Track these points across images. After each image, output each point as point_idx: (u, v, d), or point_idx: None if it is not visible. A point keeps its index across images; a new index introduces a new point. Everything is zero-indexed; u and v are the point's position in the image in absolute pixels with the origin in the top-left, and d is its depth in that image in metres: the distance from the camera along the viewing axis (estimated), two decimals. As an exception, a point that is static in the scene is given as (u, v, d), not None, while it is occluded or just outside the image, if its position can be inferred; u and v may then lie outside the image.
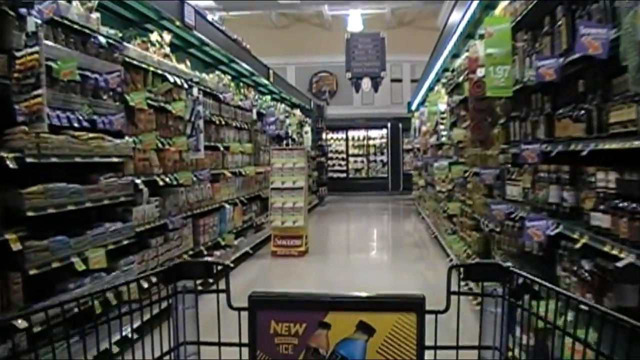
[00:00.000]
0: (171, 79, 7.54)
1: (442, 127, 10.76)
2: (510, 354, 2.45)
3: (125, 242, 6.09)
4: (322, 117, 24.06)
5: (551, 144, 4.31)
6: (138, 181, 6.44)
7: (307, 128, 19.71)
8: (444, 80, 11.05)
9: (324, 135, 25.50)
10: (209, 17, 12.84)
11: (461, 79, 8.67)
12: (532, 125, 4.90)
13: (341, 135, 28.37)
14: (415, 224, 16.50)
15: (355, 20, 23.94)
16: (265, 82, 13.93)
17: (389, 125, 27.39)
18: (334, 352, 2.00)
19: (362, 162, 28.23)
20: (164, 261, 7.14)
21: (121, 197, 6.06)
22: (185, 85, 8.07)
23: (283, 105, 16.54)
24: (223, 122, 9.93)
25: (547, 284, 2.10)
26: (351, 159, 28.27)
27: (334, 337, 2.00)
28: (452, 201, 9.41)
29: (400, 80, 27.34)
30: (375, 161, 28.18)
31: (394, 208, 22.25)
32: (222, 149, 9.78)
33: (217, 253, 9.09)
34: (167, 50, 7.90)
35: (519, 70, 5.24)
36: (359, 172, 28.22)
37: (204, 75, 9.39)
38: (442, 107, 10.67)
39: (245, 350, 2.11)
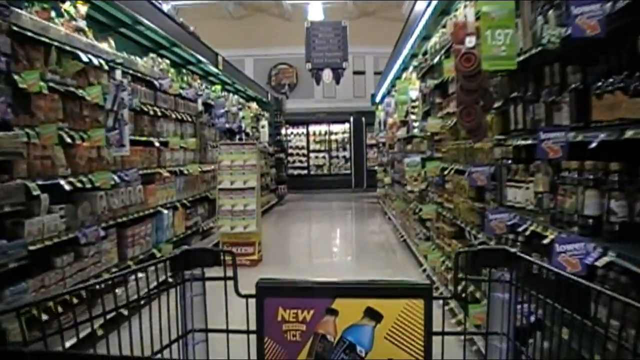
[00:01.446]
0: (84, 57, 6.09)
1: (413, 117, 9.46)
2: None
3: (13, 265, 4.68)
4: (281, 111, 22.68)
5: (585, 131, 3.03)
6: (32, 185, 5.00)
7: (264, 122, 18.29)
8: (415, 63, 9.75)
9: (283, 130, 24.16)
10: (164, 6, 11.42)
11: (436, 60, 7.40)
12: (547, 107, 3.62)
13: (302, 130, 27.12)
14: (381, 225, 15.25)
15: (315, 10, 22.73)
16: (215, 70, 12.48)
17: (351, 119, 26.33)
18: (341, 339, 1.96)
19: (324, 158, 27.02)
20: (75, 283, 5.73)
21: (6, 206, 4.64)
22: (106, 67, 6.64)
23: (236, 97, 15.09)
24: (159, 113, 8.49)
25: (554, 268, 1.99)
26: (312, 155, 27.02)
27: (342, 324, 1.96)
28: (426, 203, 8.12)
29: (363, 73, 26.25)
30: (337, 157, 27.02)
31: (358, 207, 20.99)
32: (157, 144, 8.34)
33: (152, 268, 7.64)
34: (82, 23, 6.44)
35: (524, 35, 3.96)
36: (320, 168, 26.97)
37: (134, 57, 7.93)
38: (414, 94, 9.37)
39: (253, 337, 2.05)
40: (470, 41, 4.48)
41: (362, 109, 24.81)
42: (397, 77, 12.10)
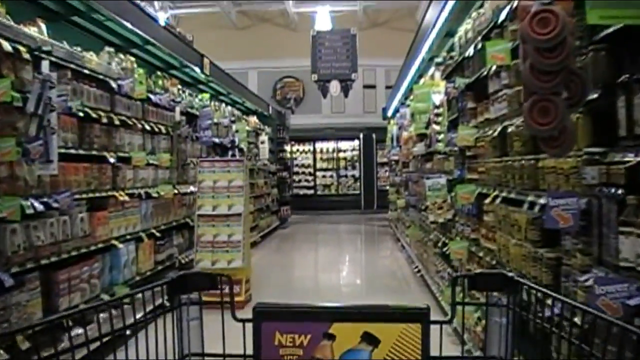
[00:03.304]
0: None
1: (437, 127, 7.61)
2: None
3: None
4: (285, 126, 20.93)
5: None
6: None
7: (264, 137, 16.52)
8: (439, 60, 7.95)
9: (288, 147, 22.42)
10: (160, 18, 9.86)
11: (470, 51, 5.64)
12: None
13: (308, 147, 25.50)
14: (393, 253, 13.44)
15: (323, 20, 21.27)
16: (201, 76, 10.75)
17: (361, 136, 24.72)
18: None
19: (332, 177, 25.34)
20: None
21: None
22: (27, 57, 4.94)
23: (230, 109, 13.34)
24: (117, 122, 6.77)
25: (553, 294, 2.00)
26: (319, 174, 25.34)
27: (339, 348, 1.92)
28: (454, 238, 6.31)
29: (373, 87, 24.88)
30: (346, 176, 25.33)
31: (368, 231, 19.17)
32: (113, 160, 6.60)
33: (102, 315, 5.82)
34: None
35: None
36: (327, 188, 25.26)
37: (80, 50, 6.23)
38: (438, 99, 7.53)
39: None
40: (547, -9, 2.72)
41: (373, 124, 23.31)
42: (414, 82, 10.31)
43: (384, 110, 19.99)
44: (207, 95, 11.00)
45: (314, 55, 18.98)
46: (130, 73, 7.27)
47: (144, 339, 2.12)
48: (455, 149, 6.31)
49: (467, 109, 5.81)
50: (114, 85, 6.73)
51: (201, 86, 12.15)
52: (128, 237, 6.91)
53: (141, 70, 7.82)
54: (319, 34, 19.35)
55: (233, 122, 12.66)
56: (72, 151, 5.81)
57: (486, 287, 2.15)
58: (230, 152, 12.16)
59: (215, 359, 2.30)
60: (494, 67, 4.73)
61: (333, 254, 14.53)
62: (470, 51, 5.58)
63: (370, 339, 1.90)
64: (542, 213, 3.29)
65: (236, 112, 13.98)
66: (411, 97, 10.28)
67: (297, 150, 25.38)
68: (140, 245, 7.25)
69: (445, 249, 6.75)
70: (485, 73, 4.98)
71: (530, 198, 3.60)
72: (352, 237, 17.96)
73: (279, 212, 19.19)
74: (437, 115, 7.46)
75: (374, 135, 24.06)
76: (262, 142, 16.26)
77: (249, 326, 1.99)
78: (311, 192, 25.20)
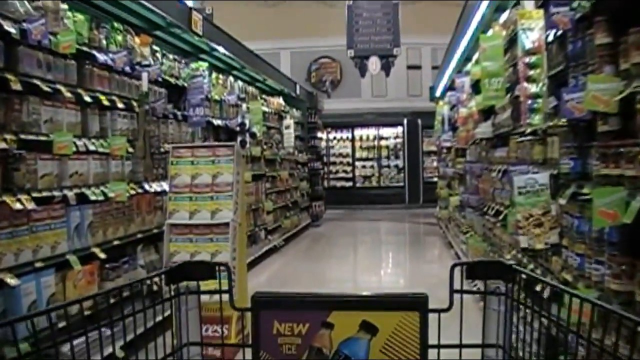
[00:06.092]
0: None
1: (530, 87, 4.69)
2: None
3: None
4: (316, 110, 18.34)
5: None
6: None
7: (289, 121, 13.93)
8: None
9: (323, 135, 19.84)
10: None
11: None
12: None
13: (346, 134, 23.21)
14: (443, 262, 10.79)
15: (361, -9, 18.74)
16: (193, 38, 8.18)
17: (405, 121, 22.29)
18: (337, 352, 1.95)
19: (372, 167, 22.92)
20: None
21: None
22: None
23: (240, 84, 10.77)
24: (18, 87, 4.31)
25: (550, 281, 2.15)
26: (358, 164, 22.93)
27: (337, 337, 1.95)
28: (563, 276, 3.63)
29: (418, 67, 22.48)
30: (388, 166, 22.90)
31: (413, 231, 16.55)
32: (4, 145, 4.13)
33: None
34: None
35: None
36: (368, 180, 22.82)
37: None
38: (532, 39, 4.63)
39: (248, 350, 2.06)
40: None
41: (418, 109, 20.98)
42: (482, 31, 7.33)
43: (432, 89, 17.33)
44: (204, 65, 8.49)
45: (350, 28, 16.61)
46: (52, 16, 4.81)
47: (141, 329, 2.10)
48: (563, 121, 3.64)
49: (597, 47, 3.14)
50: (11, 29, 4.27)
51: (204, 56, 9.65)
52: (38, 265, 4.45)
53: (80, 16, 5.37)
54: (356, 4, 17.00)
55: (243, 99, 10.12)
56: None
57: (485, 276, 2.14)
58: (239, 138, 9.65)
59: (213, 348, 2.36)
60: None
61: (372, 263, 11.98)
62: None
63: (369, 328, 1.91)
64: None
65: (250, 89, 11.41)
66: (474, 58, 7.56)
67: (334, 138, 23.17)
68: (67, 275, 4.80)
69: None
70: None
71: None
72: (396, 239, 15.29)
73: (310, 208, 16.70)
74: (531, 67, 4.67)
75: (419, 121, 21.72)
76: (287, 127, 13.71)
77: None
78: (349, 184, 22.76)
